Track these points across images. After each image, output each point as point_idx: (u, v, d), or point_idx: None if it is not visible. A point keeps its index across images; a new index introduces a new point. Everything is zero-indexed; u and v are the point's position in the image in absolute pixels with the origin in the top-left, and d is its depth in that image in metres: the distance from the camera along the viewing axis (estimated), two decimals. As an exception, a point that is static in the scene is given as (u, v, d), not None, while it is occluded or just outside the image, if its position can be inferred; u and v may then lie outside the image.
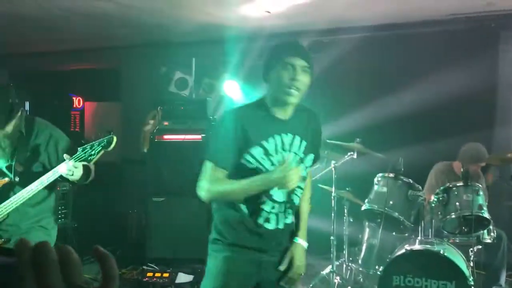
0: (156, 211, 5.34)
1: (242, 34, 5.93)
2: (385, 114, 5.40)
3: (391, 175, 4.05)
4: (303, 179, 2.33)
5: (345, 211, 4.70)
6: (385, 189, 4.11)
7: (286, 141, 2.26)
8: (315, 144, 2.42)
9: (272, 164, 2.19)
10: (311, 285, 4.46)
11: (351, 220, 4.78)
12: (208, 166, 2.17)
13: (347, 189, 4.75)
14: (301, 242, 2.43)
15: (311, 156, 2.36)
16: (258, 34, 5.89)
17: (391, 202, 3.99)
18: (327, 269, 4.47)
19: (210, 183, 2.14)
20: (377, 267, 4.27)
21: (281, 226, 2.29)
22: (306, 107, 2.42)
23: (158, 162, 5.48)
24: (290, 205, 2.32)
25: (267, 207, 2.23)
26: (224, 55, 6.25)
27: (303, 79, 2.19)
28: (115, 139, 2.58)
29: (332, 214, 4.58)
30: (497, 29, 5.33)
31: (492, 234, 4.02)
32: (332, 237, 4.50)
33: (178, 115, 5.50)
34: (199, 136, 5.48)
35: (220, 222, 2.29)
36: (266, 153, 2.20)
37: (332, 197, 4.59)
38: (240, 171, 2.16)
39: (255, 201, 2.21)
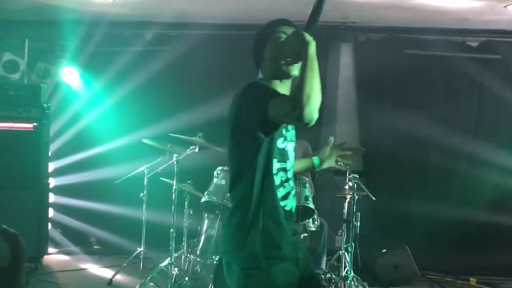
0: (-23, 206, 4.82)
1: (83, 19, 5.62)
2: (225, 110, 5.59)
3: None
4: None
5: (186, 203, 4.78)
6: (223, 182, 4.31)
7: None
8: None
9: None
10: (148, 278, 4.45)
11: (191, 212, 4.89)
12: (280, 99, 1.94)
13: (189, 182, 4.84)
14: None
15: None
16: (101, 20, 5.65)
17: (228, 194, 4.17)
18: (166, 261, 4.51)
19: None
20: (214, 256, 4.44)
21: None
22: None
23: (-19, 152, 4.95)
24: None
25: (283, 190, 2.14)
26: (62, 39, 5.86)
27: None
28: None
29: (173, 207, 4.63)
30: (326, 38, 5.89)
31: (316, 222, 4.47)
32: (172, 230, 4.54)
33: (6, 101, 5.03)
34: (30, 125, 5.08)
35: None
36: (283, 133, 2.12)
37: (173, 190, 4.63)
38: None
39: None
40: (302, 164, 2.67)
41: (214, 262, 4.32)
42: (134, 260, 5.08)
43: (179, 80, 5.93)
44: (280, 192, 2.10)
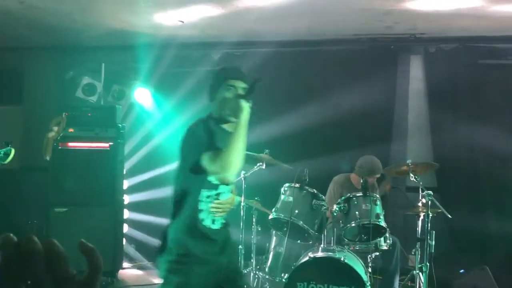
0: (58, 222, 5.10)
1: (155, 42, 5.87)
2: (292, 127, 5.60)
3: (297, 185, 4.22)
4: None
5: (254, 220, 4.79)
6: (291, 199, 4.27)
7: None
8: None
9: None
10: (218, 294, 4.48)
11: (259, 229, 4.89)
12: (206, 157, 2.37)
13: (256, 198, 4.85)
14: None
15: None
16: (170, 42, 5.87)
17: (296, 211, 4.14)
18: (235, 278, 4.52)
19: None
20: (282, 274, 4.40)
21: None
22: None
23: (62, 171, 5.25)
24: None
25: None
26: (135, 62, 6.15)
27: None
28: (13, 151, 2.47)
29: (241, 224, 4.66)
30: (396, 51, 5.77)
31: (388, 241, 4.32)
32: (240, 246, 4.56)
33: (85, 122, 5.32)
34: (106, 145, 5.33)
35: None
36: None
37: (242, 207, 4.66)
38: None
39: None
40: None
41: (283, 280, 4.28)
42: (204, 276, 5.13)
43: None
44: None
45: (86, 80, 5.80)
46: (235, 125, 2.41)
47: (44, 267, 0.60)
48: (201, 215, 2.55)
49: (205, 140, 2.43)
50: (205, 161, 2.36)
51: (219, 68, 2.74)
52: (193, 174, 2.45)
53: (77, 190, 5.22)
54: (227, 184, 2.54)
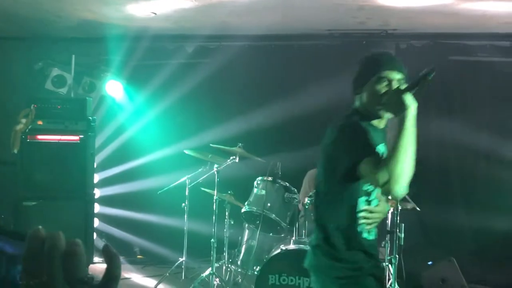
0: (27, 216, 4.99)
1: (127, 33, 5.79)
2: (265, 120, 5.61)
3: (270, 178, 4.23)
4: None
5: (227, 213, 4.79)
6: (264, 192, 4.29)
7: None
8: None
9: None
10: (190, 288, 4.48)
11: (232, 222, 4.89)
12: (367, 163, 1.98)
13: (229, 192, 4.85)
14: None
15: None
16: (143, 34, 5.79)
17: (269, 204, 4.16)
18: (207, 271, 4.52)
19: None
20: (255, 267, 4.42)
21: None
22: None
23: (31, 164, 5.14)
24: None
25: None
26: (106, 54, 6.05)
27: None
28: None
29: (214, 217, 4.65)
30: (367, 46, 5.82)
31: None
32: (212, 240, 4.56)
33: (54, 114, 5.21)
34: (77, 137, 5.23)
35: None
36: None
37: (214, 200, 4.66)
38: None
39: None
40: None
41: (255, 273, 4.30)
42: (176, 270, 5.12)
43: (220, 91, 5.99)
44: None
45: (55, 71, 5.68)
46: (402, 126, 1.98)
47: (61, 265, 0.60)
48: (359, 226, 2.20)
49: (363, 142, 2.05)
50: (366, 168, 1.97)
51: (369, 55, 2.26)
52: (345, 182, 2.10)
53: (47, 183, 5.12)
54: (391, 197, 2.14)
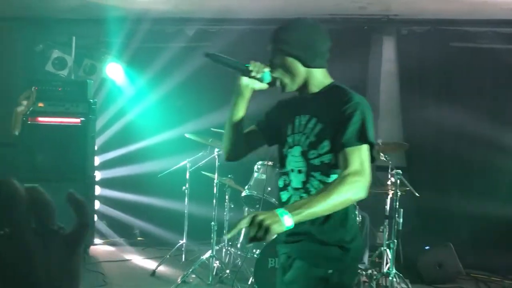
0: (28, 198, 5.03)
1: (127, 16, 5.75)
2: (266, 105, 5.60)
3: (270, 163, 4.26)
4: (316, 167, 2.03)
5: (227, 197, 4.84)
6: (264, 176, 4.33)
7: (301, 123, 2.13)
8: (336, 129, 1.96)
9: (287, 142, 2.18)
10: (190, 270, 4.53)
11: (232, 206, 4.94)
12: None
13: (229, 176, 4.89)
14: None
15: (326, 143, 2.01)
16: (143, 17, 5.76)
17: (269, 189, 4.20)
18: (207, 254, 4.58)
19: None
20: (254, 250, 4.47)
21: None
22: (341, 87, 2.10)
23: (31, 146, 5.15)
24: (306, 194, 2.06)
25: (285, 195, 2.17)
26: (107, 36, 6.02)
27: (276, 62, 2.16)
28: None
29: (214, 201, 4.69)
30: (369, 31, 5.81)
31: (358, 218, 4.42)
32: (213, 223, 4.61)
33: (55, 97, 5.21)
34: (77, 120, 5.25)
35: None
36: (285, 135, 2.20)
37: (215, 184, 4.69)
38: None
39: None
40: None
41: (254, 255, 4.35)
42: (177, 252, 5.18)
43: (220, 75, 5.96)
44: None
45: (56, 53, 5.66)
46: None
47: (26, 215, 0.55)
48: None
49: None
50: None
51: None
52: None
53: (47, 165, 5.15)
54: None
